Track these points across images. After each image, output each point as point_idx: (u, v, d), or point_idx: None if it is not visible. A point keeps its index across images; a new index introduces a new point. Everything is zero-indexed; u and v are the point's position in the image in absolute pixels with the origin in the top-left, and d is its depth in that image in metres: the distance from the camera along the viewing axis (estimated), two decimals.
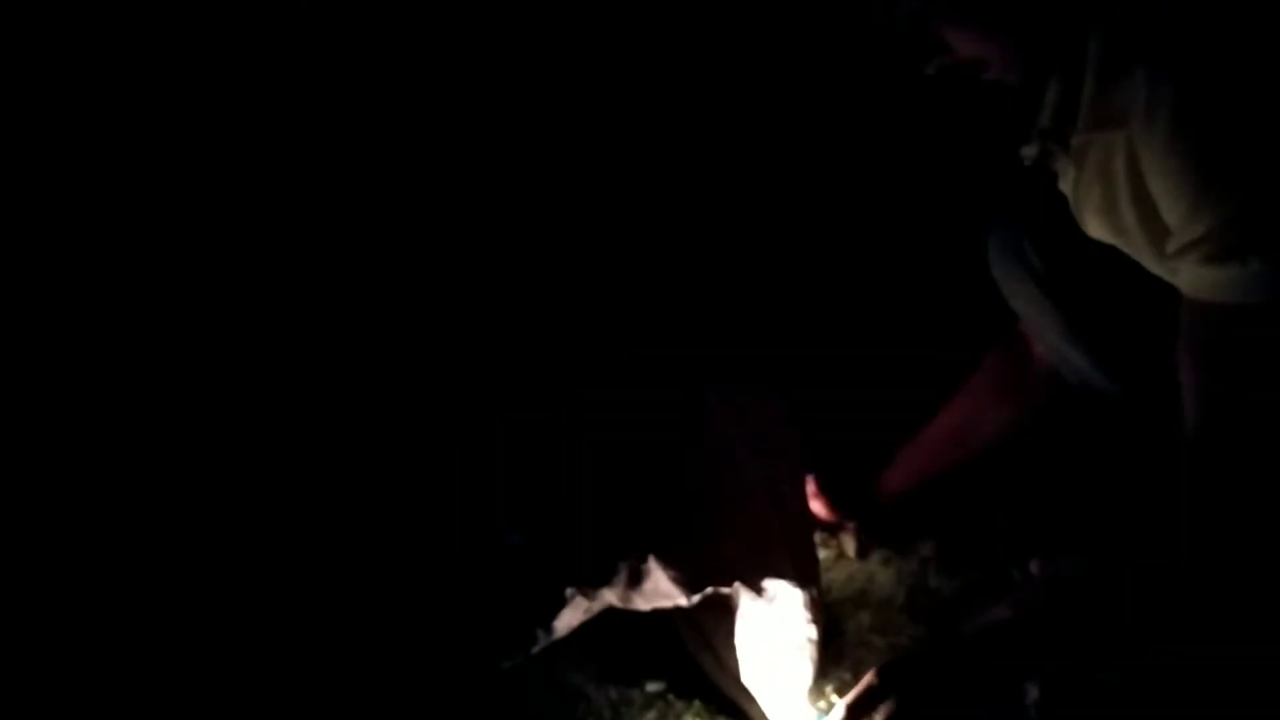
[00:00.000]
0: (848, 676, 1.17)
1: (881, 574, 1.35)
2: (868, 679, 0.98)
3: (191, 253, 1.86)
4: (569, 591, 1.20)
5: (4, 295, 1.75)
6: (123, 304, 1.78)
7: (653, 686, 1.21)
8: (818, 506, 1.41)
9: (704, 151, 2.10)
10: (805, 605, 1.17)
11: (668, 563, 1.19)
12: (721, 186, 2.08)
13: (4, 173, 1.85)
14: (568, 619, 1.21)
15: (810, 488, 1.39)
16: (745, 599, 1.17)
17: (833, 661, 1.20)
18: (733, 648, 1.17)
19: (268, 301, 1.81)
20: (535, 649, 1.21)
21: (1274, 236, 0.83)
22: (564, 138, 2.12)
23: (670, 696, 1.20)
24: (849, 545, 1.39)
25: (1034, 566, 1.23)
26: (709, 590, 1.18)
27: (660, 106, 2.12)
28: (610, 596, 1.20)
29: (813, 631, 1.16)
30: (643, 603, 1.21)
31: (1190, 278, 0.89)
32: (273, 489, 1.48)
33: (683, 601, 1.19)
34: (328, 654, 1.25)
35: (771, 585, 1.16)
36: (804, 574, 1.19)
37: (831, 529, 1.42)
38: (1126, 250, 1.06)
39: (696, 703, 1.20)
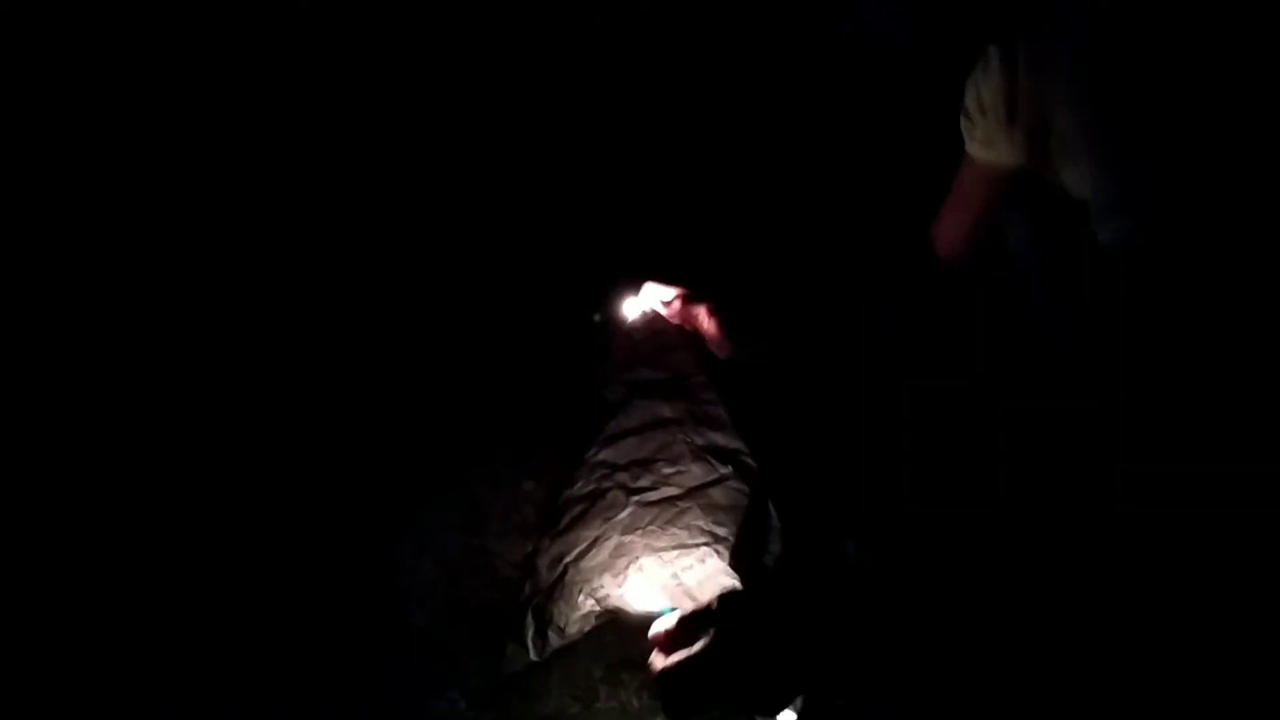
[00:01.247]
0: None
1: None
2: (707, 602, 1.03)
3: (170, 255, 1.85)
4: (581, 596, 1.25)
5: (3, 295, 1.76)
6: (110, 302, 1.78)
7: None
8: (715, 333, 1.49)
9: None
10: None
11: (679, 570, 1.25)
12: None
13: (4, 173, 1.85)
14: (580, 622, 1.25)
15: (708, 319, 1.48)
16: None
17: None
18: None
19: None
20: (549, 650, 1.26)
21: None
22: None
23: None
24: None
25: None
26: (719, 595, 1.23)
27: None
28: (620, 601, 1.24)
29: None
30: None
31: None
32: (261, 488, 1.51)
33: (689, 605, 1.24)
34: (341, 647, 1.29)
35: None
36: None
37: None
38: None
39: None
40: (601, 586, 1.25)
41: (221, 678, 1.27)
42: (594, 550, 1.27)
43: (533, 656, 1.25)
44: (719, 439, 1.34)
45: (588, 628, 1.26)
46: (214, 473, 1.51)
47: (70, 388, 1.67)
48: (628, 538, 1.27)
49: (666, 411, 1.37)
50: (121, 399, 1.64)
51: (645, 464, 1.33)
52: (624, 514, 1.29)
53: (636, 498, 1.30)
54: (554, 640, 1.25)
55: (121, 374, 1.67)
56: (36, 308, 1.76)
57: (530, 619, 1.26)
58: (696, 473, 1.31)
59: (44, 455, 1.56)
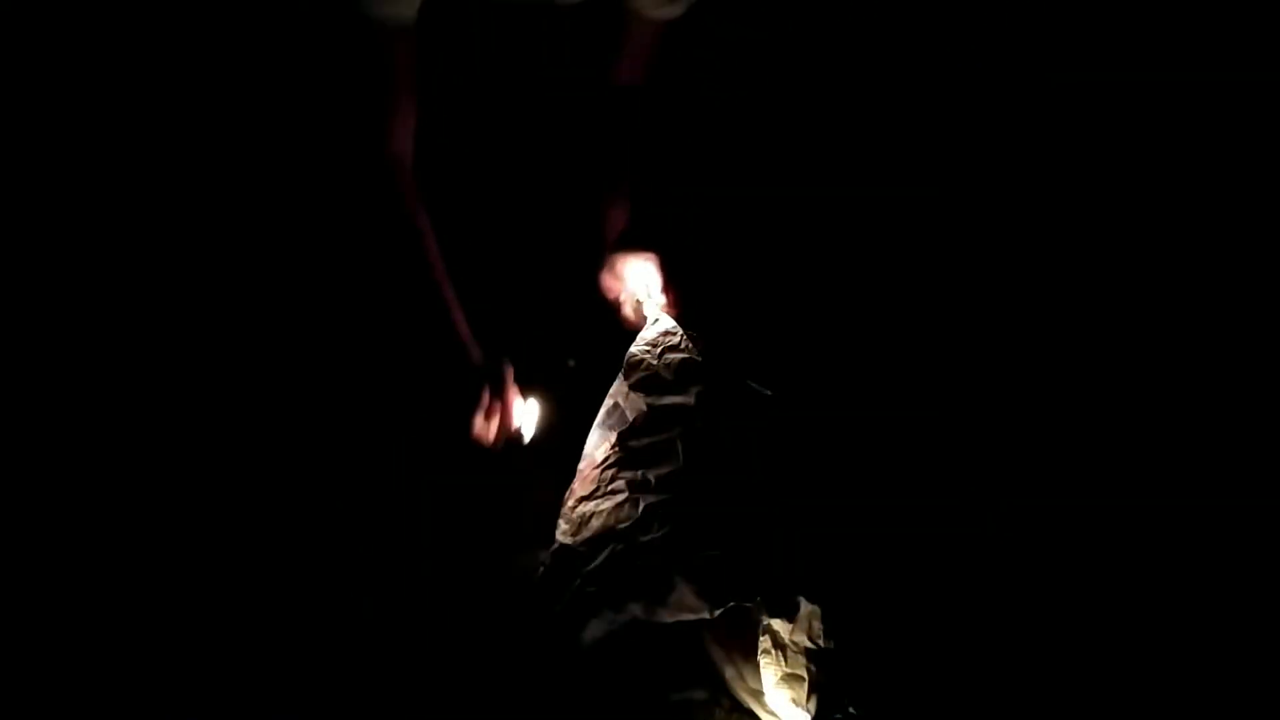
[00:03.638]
0: None
1: None
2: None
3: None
4: (594, 604, 1.24)
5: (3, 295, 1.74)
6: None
7: (674, 697, 1.24)
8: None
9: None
10: (820, 620, 1.22)
11: (691, 578, 1.25)
12: None
13: (4, 173, 1.84)
14: (593, 630, 1.25)
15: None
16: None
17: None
18: (754, 660, 1.21)
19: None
20: (561, 659, 1.25)
21: None
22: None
23: (691, 707, 1.23)
24: None
25: None
26: (731, 604, 1.23)
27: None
28: (635, 609, 1.24)
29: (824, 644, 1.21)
30: (666, 616, 1.25)
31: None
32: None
33: (705, 615, 1.23)
34: (342, 659, 1.29)
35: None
36: None
37: None
38: None
39: (718, 713, 1.23)
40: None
41: (225, 684, 1.27)
42: None
43: (545, 664, 1.25)
44: None
45: (600, 635, 1.24)
46: (216, 474, 1.50)
47: (69, 388, 1.66)
48: None
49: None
50: (123, 400, 1.63)
51: None
52: None
53: None
54: (567, 649, 1.25)
55: (123, 375, 1.67)
56: (36, 308, 1.74)
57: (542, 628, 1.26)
58: None
59: (45, 455, 1.55)
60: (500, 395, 1.40)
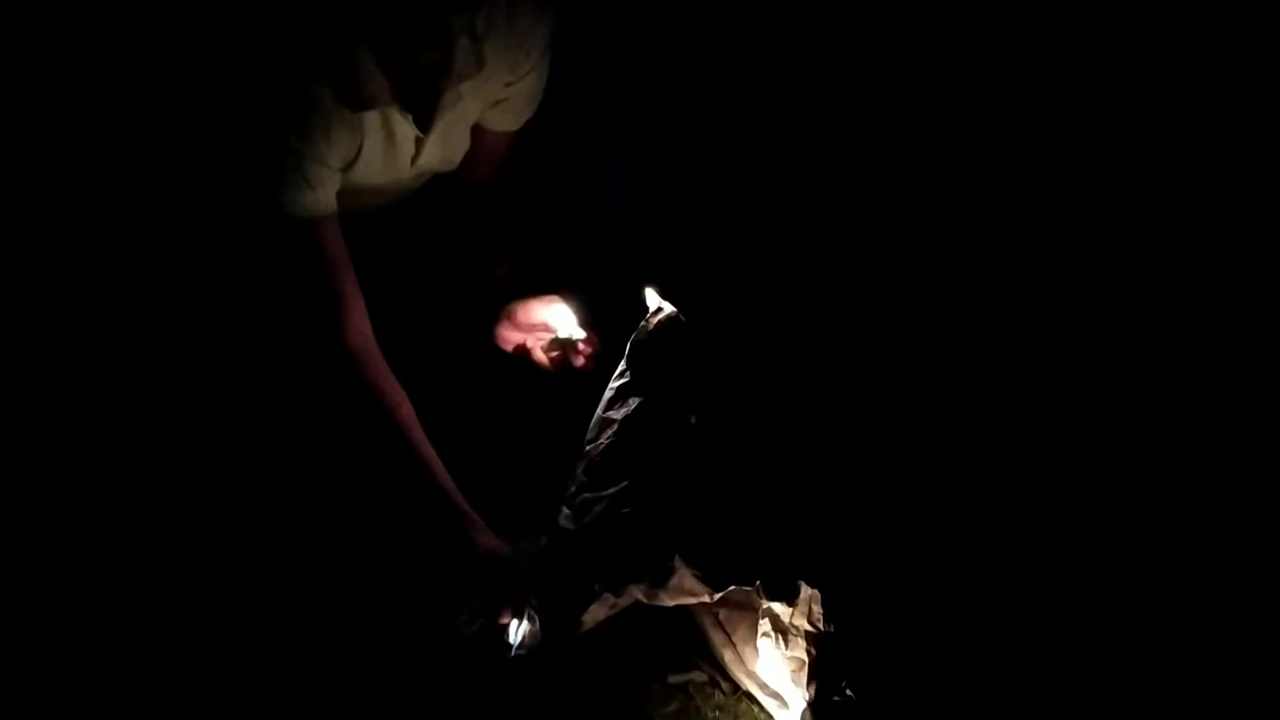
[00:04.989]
0: None
1: None
2: None
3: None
4: (596, 587, 1.25)
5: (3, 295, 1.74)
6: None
7: (675, 679, 1.26)
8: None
9: None
10: (819, 604, 1.23)
11: (692, 562, 1.26)
12: None
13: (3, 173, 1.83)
14: (595, 613, 1.26)
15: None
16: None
17: None
18: (753, 643, 1.22)
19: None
20: (562, 642, 1.26)
21: None
22: None
23: (692, 689, 1.25)
24: None
25: None
26: (731, 588, 1.24)
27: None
28: (637, 593, 1.25)
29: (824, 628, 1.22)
30: (668, 599, 1.26)
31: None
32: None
33: (706, 599, 1.25)
34: (340, 647, 1.30)
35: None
36: None
37: None
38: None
39: (718, 695, 1.25)
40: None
41: (226, 687, 1.27)
42: None
43: (546, 649, 1.26)
44: None
45: (602, 618, 1.26)
46: (218, 478, 1.50)
47: (72, 390, 1.66)
48: None
49: None
50: (128, 404, 1.63)
51: None
52: None
53: None
54: (568, 632, 1.26)
55: (129, 380, 1.67)
56: (38, 308, 1.74)
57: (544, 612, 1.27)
58: None
59: (48, 457, 1.55)
60: (494, 608, 1.27)
